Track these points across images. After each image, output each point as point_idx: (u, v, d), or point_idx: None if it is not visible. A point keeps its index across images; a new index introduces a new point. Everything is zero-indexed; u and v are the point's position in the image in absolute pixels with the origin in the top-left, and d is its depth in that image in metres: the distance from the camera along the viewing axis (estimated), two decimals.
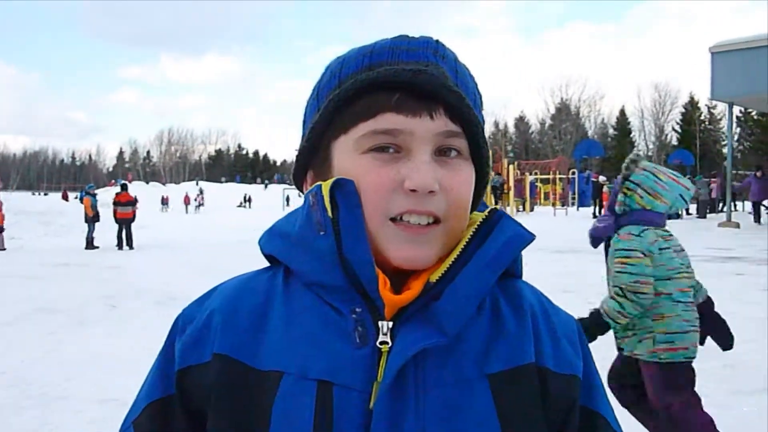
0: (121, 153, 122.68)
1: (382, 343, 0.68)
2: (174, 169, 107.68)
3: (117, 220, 16.27)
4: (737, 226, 18.84)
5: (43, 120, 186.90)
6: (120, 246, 16.07)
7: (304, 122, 0.80)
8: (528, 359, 0.72)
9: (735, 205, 21.43)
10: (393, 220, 0.69)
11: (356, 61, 0.74)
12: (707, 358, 5.21)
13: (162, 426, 0.74)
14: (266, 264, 0.81)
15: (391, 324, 0.69)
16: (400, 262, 0.69)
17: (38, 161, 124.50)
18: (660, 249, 2.68)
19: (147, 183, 73.08)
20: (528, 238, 0.73)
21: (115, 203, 16.51)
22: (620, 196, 2.77)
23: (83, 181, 72.17)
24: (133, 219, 16.49)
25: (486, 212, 0.73)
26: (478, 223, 0.72)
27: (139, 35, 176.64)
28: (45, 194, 68.54)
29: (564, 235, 17.99)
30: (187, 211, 48.47)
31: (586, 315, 2.72)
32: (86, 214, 16.57)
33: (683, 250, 2.79)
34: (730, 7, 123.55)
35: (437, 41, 0.75)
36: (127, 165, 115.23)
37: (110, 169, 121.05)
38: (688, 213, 26.84)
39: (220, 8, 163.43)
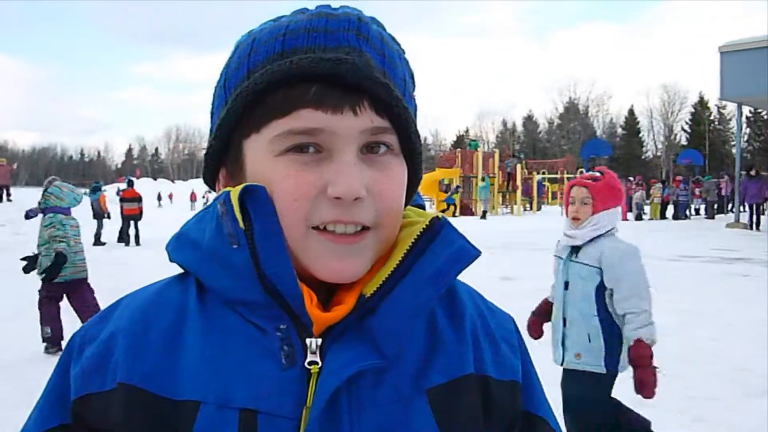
0: (129, 150, 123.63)
1: (311, 363, 0.61)
2: (182, 166, 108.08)
3: (123, 217, 16.37)
4: (745, 227, 18.70)
5: (51, 116, 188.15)
6: (127, 242, 16.16)
7: (212, 114, 0.69)
8: (468, 369, 0.67)
9: (744, 206, 21.23)
10: (316, 228, 0.61)
11: (267, 45, 0.64)
12: (719, 362, 5.19)
13: None
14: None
15: (320, 341, 0.62)
16: (327, 276, 0.62)
17: (47, 157, 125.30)
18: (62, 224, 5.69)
19: (155, 180, 73.35)
20: (474, 253, 0.66)
21: (122, 200, 16.64)
22: (41, 199, 5.76)
23: (91, 177, 72.41)
24: (140, 216, 16.58)
25: (427, 221, 0.66)
26: (419, 233, 0.65)
27: (148, 32, 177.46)
28: None
29: None
30: (192, 208, 48.58)
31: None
32: (100, 210, 16.78)
33: (78, 227, 5.90)
34: (739, 6, 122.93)
35: (359, 18, 0.65)
36: (135, 162, 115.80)
37: (119, 165, 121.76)
38: (697, 213, 26.69)
39: (230, 6, 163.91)
